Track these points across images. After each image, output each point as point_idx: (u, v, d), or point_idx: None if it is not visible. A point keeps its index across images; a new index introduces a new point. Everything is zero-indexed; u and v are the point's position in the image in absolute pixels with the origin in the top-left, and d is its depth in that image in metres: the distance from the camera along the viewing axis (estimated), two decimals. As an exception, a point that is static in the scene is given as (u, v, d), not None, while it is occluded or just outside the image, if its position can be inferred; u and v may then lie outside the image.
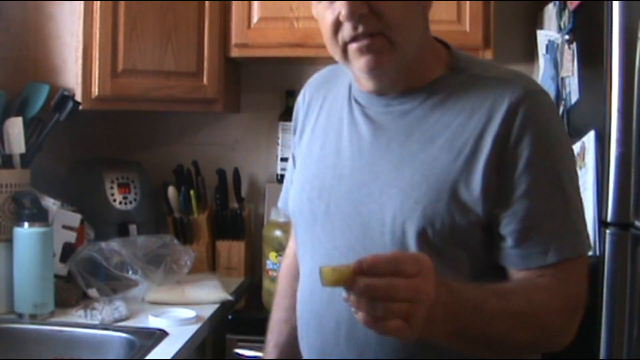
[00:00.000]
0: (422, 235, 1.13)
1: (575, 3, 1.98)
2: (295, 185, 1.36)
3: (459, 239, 1.13)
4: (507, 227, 1.13)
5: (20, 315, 1.96)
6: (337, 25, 1.13)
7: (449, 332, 1.00)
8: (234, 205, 2.62)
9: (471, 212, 1.12)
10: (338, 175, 1.24)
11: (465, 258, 1.15)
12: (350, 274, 0.91)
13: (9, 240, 1.97)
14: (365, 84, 1.23)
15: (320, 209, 1.26)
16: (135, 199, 2.44)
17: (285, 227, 2.15)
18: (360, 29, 1.12)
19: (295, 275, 1.42)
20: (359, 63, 1.15)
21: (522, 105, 1.12)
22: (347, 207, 1.21)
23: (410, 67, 1.18)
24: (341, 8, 1.11)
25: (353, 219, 1.20)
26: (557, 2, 2.14)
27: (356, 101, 1.27)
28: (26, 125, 2.05)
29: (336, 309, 1.19)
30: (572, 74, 1.99)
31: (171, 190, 2.55)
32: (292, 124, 1.48)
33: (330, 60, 2.95)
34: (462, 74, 1.19)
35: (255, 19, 2.39)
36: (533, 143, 1.11)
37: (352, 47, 1.14)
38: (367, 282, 0.90)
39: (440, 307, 0.95)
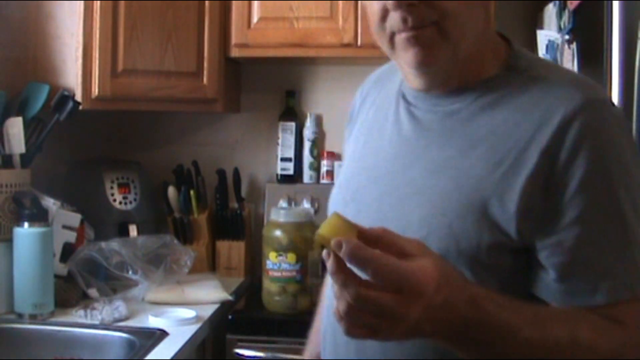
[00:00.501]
0: (444, 253, 0.98)
1: (575, 3, 1.98)
2: (336, 184, 1.27)
3: (486, 262, 0.99)
4: (551, 258, 0.98)
5: (20, 315, 1.96)
6: (384, 13, 1.01)
7: (472, 349, 0.92)
8: (234, 205, 2.62)
9: (502, 232, 0.98)
10: (373, 177, 1.14)
11: (494, 284, 0.98)
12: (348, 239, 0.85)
13: (9, 240, 1.97)
14: (413, 80, 1.11)
15: (351, 213, 1.09)
16: (135, 199, 2.44)
17: (285, 227, 2.15)
18: (410, 20, 0.99)
19: None
20: (407, 56, 1.02)
21: (580, 116, 0.97)
22: (376, 213, 1.09)
23: (464, 64, 1.05)
24: None
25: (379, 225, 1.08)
26: (557, 2, 2.14)
27: (404, 98, 1.15)
28: (26, 125, 2.05)
29: None
30: (572, 74, 1.99)
31: (171, 190, 2.55)
32: (347, 118, 1.36)
33: (330, 60, 2.96)
34: (520, 74, 1.05)
35: (255, 19, 2.40)
36: (589, 161, 0.95)
37: (400, 37, 1.01)
38: (343, 279, 0.85)
39: (443, 324, 0.87)
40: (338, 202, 1.20)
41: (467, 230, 0.99)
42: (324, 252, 0.87)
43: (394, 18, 1.00)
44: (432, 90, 1.09)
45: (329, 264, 0.86)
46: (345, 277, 0.85)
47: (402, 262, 0.86)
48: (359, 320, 0.86)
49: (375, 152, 1.17)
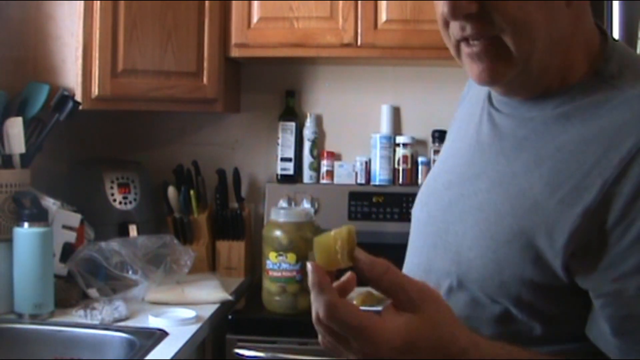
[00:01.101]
0: (486, 282, 0.91)
1: (575, 3, 1.98)
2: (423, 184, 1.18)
3: (528, 299, 0.88)
4: (606, 309, 0.84)
5: (20, 315, 1.96)
6: (446, 20, 0.92)
7: None
8: (234, 205, 2.62)
9: (547, 268, 0.86)
10: (447, 182, 1.04)
11: (537, 326, 0.89)
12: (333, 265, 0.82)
13: (9, 240, 1.97)
14: None
15: (422, 217, 1.08)
16: (135, 199, 2.44)
17: (285, 227, 2.15)
18: (469, 31, 0.89)
19: None
20: (471, 71, 0.93)
21: None
22: (441, 223, 1.01)
23: (543, 72, 0.92)
24: (443, 5, 0.89)
25: (440, 237, 1.00)
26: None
27: (490, 99, 1.04)
28: (26, 125, 2.05)
29: None
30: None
31: (171, 190, 2.55)
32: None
33: (330, 60, 2.96)
34: (605, 82, 0.91)
35: (255, 19, 2.40)
36: None
37: (464, 49, 0.92)
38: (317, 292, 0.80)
39: None
40: (417, 204, 1.12)
41: (512, 260, 0.88)
42: (308, 264, 0.83)
43: (454, 26, 0.91)
44: (512, 96, 0.98)
45: (310, 277, 0.82)
46: (320, 290, 0.81)
47: (360, 320, 0.79)
48: (324, 332, 0.83)
49: (455, 154, 1.07)
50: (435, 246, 1.01)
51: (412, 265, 1.07)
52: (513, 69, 0.90)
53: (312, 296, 0.81)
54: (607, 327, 0.84)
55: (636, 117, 0.84)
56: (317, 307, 0.80)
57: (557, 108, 0.92)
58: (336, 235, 0.85)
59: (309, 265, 0.82)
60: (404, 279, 0.81)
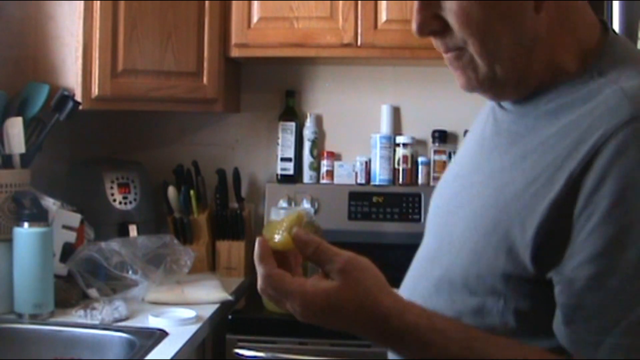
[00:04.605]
0: (465, 274, 0.94)
1: (575, 3, 1.98)
2: None
3: (503, 291, 0.91)
4: (560, 297, 0.86)
5: (20, 315, 1.95)
6: None
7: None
8: (234, 205, 2.62)
9: (518, 260, 0.88)
10: (452, 177, 1.09)
11: (511, 319, 0.91)
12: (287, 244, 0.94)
13: (9, 240, 1.97)
14: None
15: (432, 206, 1.12)
16: (135, 199, 2.44)
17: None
18: (438, 45, 0.97)
19: None
20: (456, 78, 0.99)
21: (617, 135, 0.82)
22: (443, 213, 1.06)
23: (520, 76, 0.95)
24: (412, 23, 0.96)
25: (441, 229, 1.05)
26: (557, 2, 2.14)
27: None
28: (26, 125, 2.05)
29: None
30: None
31: (171, 190, 2.55)
32: None
33: (330, 60, 2.96)
34: (593, 79, 0.92)
35: (255, 19, 2.40)
36: (616, 191, 0.81)
37: (445, 59, 0.99)
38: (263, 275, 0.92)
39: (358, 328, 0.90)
40: (433, 193, 1.16)
41: (488, 252, 0.91)
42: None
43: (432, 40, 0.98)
44: (501, 99, 1.02)
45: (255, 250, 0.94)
46: (258, 263, 0.93)
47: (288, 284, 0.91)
48: (266, 297, 0.93)
49: (466, 147, 1.11)
50: (436, 235, 1.06)
51: (423, 253, 1.10)
52: (483, 77, 0.95)
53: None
54: (560, 315, 0.86)
55: (607, 110, 0.85)
56: (258, 277, 0.93)
57: (548, 104, 0.94)
58: (286, 218, 0.97)
59: (257, 240, 0.94)
60: (332, 252, 0.90)
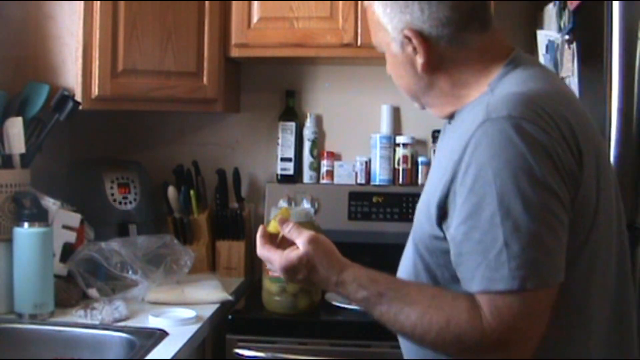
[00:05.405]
0: (412, 240, 1.35)
1: (575, 3, 1.98)
2: None
3: (430, 247, 1.27)
4: (451, 249, 1.21)
5: (20, 315, 1.96)
6: None
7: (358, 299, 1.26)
8: (234, 205, 2.62)
9: (433, 224, 1.23)
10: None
11: (439, 265, 1.27)
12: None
13: (9, 240, 1.97)
14: None
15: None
16: (135, 199, 2.44)
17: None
18: None
19: None
20: None
21: (477, 132, 1.16)
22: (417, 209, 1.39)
23: (438, 100, 1.34)
24: None
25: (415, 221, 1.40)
26: (557, 2, 2.14)
27: None
28: (26, 125, 2.05)
29: None
30: (572, 74, 1.99)
31: (171, 190, 2.55)
32: None
33: (330, 60, 2.96)
34: (486, 94, 1.25)
35: (255, 19, 2.40)
36: (474, 174, 1.15)
37: None
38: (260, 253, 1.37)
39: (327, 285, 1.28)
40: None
41: (422, 223, 1.29)
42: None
43: None
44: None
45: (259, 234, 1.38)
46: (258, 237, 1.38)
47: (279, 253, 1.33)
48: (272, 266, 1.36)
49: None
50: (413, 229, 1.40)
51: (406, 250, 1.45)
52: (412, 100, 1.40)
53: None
54: (453, 262, 1.21)
55: (478, 115, 1.18)
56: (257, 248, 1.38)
57: (458, 117, 1.31)
58: (279, 212, 1.46)
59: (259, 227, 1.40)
60: (301, 230, 1.32)
